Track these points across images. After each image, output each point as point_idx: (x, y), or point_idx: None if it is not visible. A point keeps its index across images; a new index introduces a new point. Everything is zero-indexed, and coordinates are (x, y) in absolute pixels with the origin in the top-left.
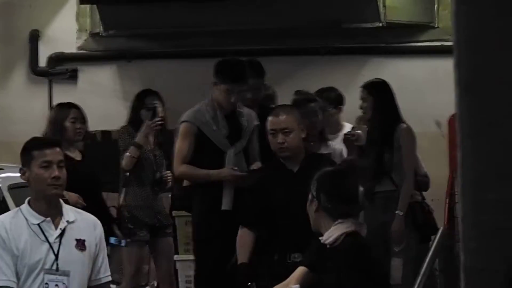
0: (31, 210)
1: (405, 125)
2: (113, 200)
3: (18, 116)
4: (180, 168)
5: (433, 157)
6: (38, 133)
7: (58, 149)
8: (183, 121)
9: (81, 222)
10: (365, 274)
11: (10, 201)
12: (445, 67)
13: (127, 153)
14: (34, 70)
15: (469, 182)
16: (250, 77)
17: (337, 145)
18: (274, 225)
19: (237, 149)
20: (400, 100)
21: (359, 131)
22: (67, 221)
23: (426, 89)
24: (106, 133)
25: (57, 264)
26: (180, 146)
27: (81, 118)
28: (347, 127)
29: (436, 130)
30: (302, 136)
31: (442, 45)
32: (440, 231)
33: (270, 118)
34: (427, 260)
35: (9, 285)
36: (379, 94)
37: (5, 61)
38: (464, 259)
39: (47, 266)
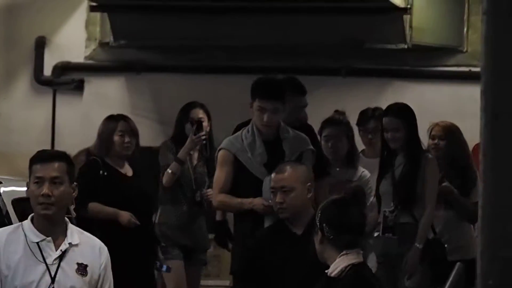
0: (32, 227)
1: (430, 155)
2: None
3: (19, 126)
4: (217, 197)
5: None
6: (40, 145)
7: (56, 164)
8: (220, 149)
9: (86, 246)
10: None
11: (13, 215)
12: (471, 93)
13: (168, 170)
14: (38, 78)
15: (489, 215)
16: (288, 95)
17: (365, 171)
18: None
19: None
20: (422, 126)
21: None
22: (70, 243)
23: (450, 116)
24: None
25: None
26: (217, 175)
27: (130, 131)
28: None
29: None
30: (308, 195)
31: (469, 70)
32: (457, 267)
33: (272, 175)
34: None
35: None
36: (412, 122)
37: (8, 68)
38: None
39: None
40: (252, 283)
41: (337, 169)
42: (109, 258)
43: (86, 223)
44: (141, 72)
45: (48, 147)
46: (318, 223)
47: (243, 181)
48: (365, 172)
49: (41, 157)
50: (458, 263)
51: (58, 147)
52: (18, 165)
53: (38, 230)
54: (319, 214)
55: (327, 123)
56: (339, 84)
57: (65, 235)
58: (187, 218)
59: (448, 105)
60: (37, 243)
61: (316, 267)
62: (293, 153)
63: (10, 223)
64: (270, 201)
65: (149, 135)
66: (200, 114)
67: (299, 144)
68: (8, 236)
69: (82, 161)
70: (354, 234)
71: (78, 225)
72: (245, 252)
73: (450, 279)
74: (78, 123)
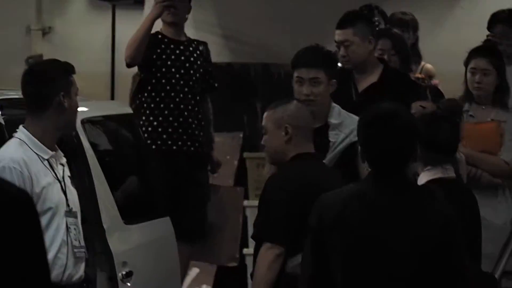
0: (38, 143)
1: None
2: None
3: (77, 44)
4: None
5: None
6: (100, 64)
7: None
8: None
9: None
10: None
11: (84, 137)
12: None
13: None
14: None
15: None
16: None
17: None
18: None
19: None
20: None
21: None
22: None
23: None
24: None
25: (68, 205)
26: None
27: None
28: None
29: None
30: (284, 138)
31: None
32: None
33: None
34: None
35: None
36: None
37: None
38: None
39: (64, 208)
40: None
41: (483, 107)
42: None
43: None
44: None
45: (108, 65)
46: None
47: None
48: None
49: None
50: None
51: (119, 65)
52: (78, 84)
53: (45, 145)
54: None
55: (475, 53)
56: None
57: (57, 148)
58: None
59: None
60: (48, 159)
61: None
62: (340, 142)
63: (80, 145)
64: None
65: (213, 51)
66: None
67: (352, 133)
68: (24, 156)
69: None
70: (440, 151)
71: None
72: None
73: None
74: None
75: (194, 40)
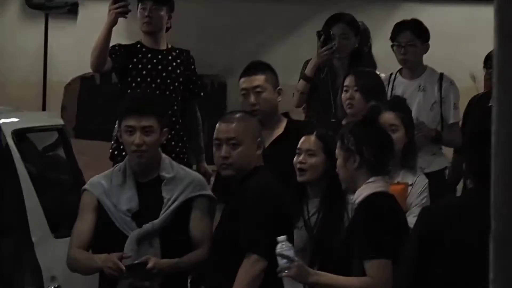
0: None
1: None
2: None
3: (10, 52)
4: (70, 253)
5: None
6: (32, 73)
7: None
8: (83, 189)
9: None
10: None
11: (13, 148)
12: (485, 16)
13: (296, 89)
14: (29, 2)
15: (502, 143)
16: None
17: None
18: None
19: (142, 233)
20: (434, 50)
21: None
22: None
23: (462, 40)
24: (105, 77)
25: None
26: (76, 224)
27: None
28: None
29: (471, 84)
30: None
31: None
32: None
33: (217, 125)
34: None
35: None
36: None
37: None
38: (496, 226)
39: None
40: None
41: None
42: None
43: None
44: None
45: (40, 74)
46: (353, 147)
47: (105, 235)
48: (422, 177)
49: None
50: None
51: (51, 74)
52: (9, 93)
53: None
54: (351, 137)
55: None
56: (347, 7)
57: None
58: None
59: (460, 28)
60: None
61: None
62: (176, 199)
63: (10, 156)
64: (127, 256)
65: None
66: (344, 29)
67: (187, 188)
68: None
69: (76, 89)
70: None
71: None
72: None
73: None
74: (72, 49)
75: (176, 48)
